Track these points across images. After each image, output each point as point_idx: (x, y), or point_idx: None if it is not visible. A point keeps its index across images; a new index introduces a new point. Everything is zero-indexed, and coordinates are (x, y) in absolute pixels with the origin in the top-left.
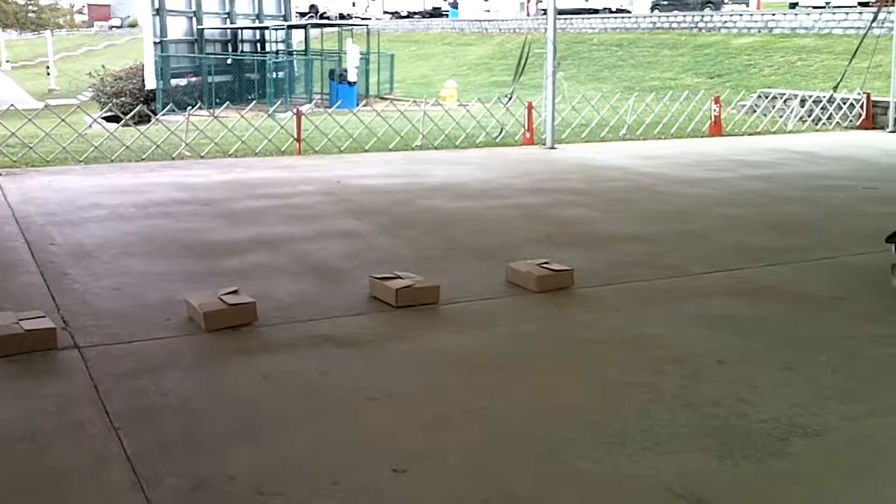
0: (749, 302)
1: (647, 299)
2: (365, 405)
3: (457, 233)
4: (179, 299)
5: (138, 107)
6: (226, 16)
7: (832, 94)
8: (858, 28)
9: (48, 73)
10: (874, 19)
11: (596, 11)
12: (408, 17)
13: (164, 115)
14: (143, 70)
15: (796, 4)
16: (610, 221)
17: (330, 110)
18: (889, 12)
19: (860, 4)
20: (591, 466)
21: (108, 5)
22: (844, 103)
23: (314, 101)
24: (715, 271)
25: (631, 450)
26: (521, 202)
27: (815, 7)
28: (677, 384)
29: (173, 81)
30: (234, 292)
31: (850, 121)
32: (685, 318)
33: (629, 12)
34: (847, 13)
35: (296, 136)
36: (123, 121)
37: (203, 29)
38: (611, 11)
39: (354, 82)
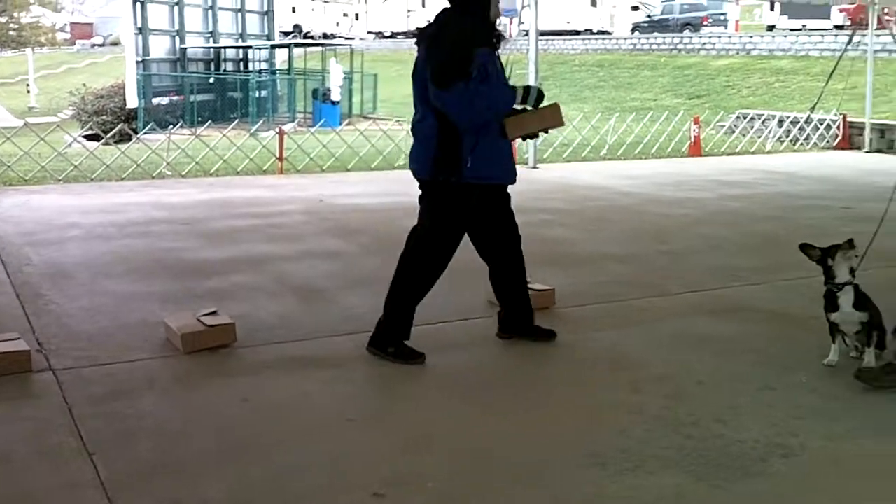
0: (729, 321)
1: (628, 319)
2: (345, 427)
3: None
4: (157, 320)
5: (119, 125)
6: (209, 35)
7: (809, 115)
8: (834, 50)
9: (28, 91)
10: (849, 42)
11: (578, 33)
12: (391, 37)
13: (145, 133)
14: (124, 88)
15: (773, 27)
16: (591, 241)
17: (312, 129)
18: (863, 35)
19: (836, 28)
20: (571, 489)
21: (91, 24)
22: (821, 124)
23: (297, 121)
24: (695, 291)
25: (611, 471)
26: None
27: (791, 30)
28: (658, 404)
29: (155, 100)
30: (214, 313)
31: (827, 141)
32: (665, 338)
33: (610, 34)
34: (823, 36)
35: (278, 156)
36: (104, 139)
37: (186, 48)
38: (592, 33)
39: (338, 101)
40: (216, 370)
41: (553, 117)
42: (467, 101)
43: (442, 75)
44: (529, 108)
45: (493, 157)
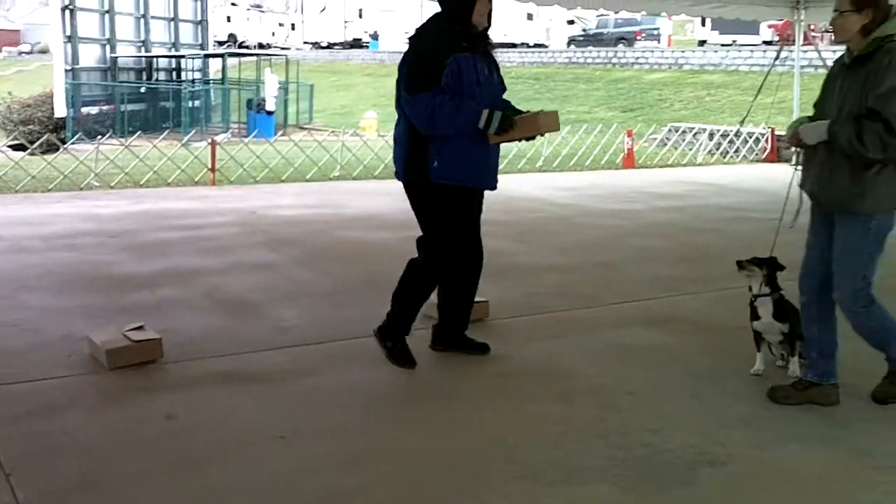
0: (660, 332)
1: (562, 330)
2: (274, 444)
3: (373, 264)
4: (82, 336)
5: (46, 135)
6: (141, 44)
7: (739, 129)
8: (763, 65)
9: None
10: (777, 57)
11: (514, 45)
12: (328, 47)
13: (73, 144)
14: (52, 97)
15: (705, 42)
16: (526, 252)
17: (246, 140)
18: (790, 51)
19: (765, 43)
20: (503, 501)
21: (18, 30)
22: (750, 137)
23: (230, 131)
24: (628, 301)
25: (543, 483)
26: None
27: (722, 45)
28: (590, 415)
29: (85, 109)
30: (140, 328)
31: (756, 154)
32: (598, 349)
33: (546, 47)
34: (752, 51)
35: (210, 167)
36: (30, 149)
37: (117, 57)
38: (528, 46)
39: (272, 112)
40: (142, 387)
41: (534, 125)
42: (429, 113)
43: (411, 82)
44: (492, 132)
45: (461, 160)
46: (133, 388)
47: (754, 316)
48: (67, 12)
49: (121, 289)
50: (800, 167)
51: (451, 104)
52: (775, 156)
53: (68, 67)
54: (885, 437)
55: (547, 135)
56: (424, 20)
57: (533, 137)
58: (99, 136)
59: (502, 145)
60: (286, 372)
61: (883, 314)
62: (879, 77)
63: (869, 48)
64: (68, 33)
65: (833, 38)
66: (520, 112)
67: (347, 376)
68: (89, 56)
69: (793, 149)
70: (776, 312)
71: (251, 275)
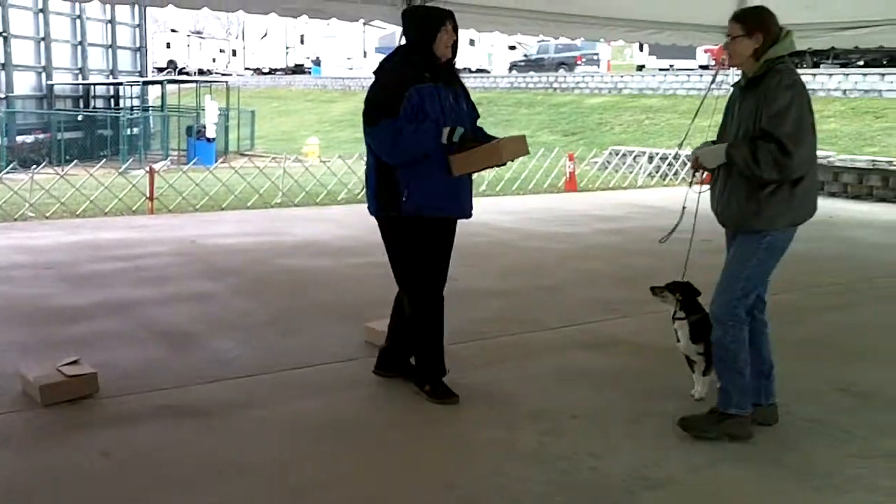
0: (602, 355)
1: (504, 355)
2: (213, 479)
3: (315, 292)
4: (14, 371)
5: None
6: (78, 71)
7: (677, 151)
8: (699, 89)
9: None
10: (713, 81)
11: (457, 71)
12: (270, 73)
13: (7, 173)
14: None
15: (643, 67)
16: (469, 277)
17: (186, 168)
18: (726, 75)
19: (701, 67)
20: None
21: None
22: (689, 160)
23: (170, 158)
24: (571, 325)
25: None
26: (379, 260)
27: (660, 69)
28: (532, 440)
29: (19, 138)
30: (75, 363)
31: (695, 176)
32: (541, 373)
33: (489, 72)
34: (689, 75)
35: (148, 195)
36: None
37: (53, 84)
38: (471, 71)
39: (213, 139)
40: (77, 423)
41: (494, 152)
42: (391, 140)
43: (369, 113)
44: (456, 140)
45: (429, 190)
46: (68, 424)
47: (677, 339)
48: (1, 39)
49: (55, 322)
50: (694, 187)
51: (411, 127)
52: (712, 178)
53: (2, 95)
54: (824, 458)
55: None
56: (389, 52)
57: (503, 164)
58: (34, 166)
59: None
60: (227, 404)
61: (743, 342)
62: (770, 97)
63: (760, 70)
64: (2, 61)
65: (728, 62)
66: (493, 138)
67: (289, 407)
68: (24, 84)
69: (696, 173)
70: (693, 334)
71: (190, 305)
